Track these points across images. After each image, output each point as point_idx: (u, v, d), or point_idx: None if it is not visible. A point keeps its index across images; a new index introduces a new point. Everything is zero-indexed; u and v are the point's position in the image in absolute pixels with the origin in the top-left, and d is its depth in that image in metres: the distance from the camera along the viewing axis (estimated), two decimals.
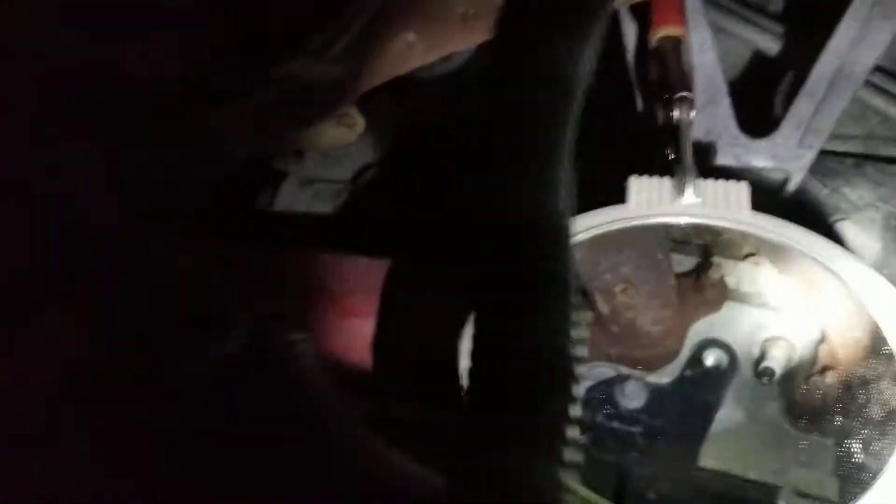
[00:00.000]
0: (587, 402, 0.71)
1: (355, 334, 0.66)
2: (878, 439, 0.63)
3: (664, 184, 0.66)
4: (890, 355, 0.61)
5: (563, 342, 0.39)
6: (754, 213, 0.65)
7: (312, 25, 0.51)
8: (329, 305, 0.67)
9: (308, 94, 0.57)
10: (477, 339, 0.40)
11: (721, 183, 0.66)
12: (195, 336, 0.41)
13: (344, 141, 0.74)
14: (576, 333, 0.40)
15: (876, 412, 0.65)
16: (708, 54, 0.74)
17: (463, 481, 0.37)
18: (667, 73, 0.69)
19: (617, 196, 0.67)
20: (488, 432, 0.38)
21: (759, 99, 0.84)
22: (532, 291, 0.40)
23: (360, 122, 0.72)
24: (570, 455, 0.37)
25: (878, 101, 0.80)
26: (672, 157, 0.67)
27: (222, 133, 0.57)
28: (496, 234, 0.42)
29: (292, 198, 0.87)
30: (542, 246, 0.41)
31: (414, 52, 0.65)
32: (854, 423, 0.66)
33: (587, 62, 0.43)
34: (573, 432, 0.38)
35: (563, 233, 0.42)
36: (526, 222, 0.41)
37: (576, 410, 0.39)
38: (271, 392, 0.40)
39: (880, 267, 0.78)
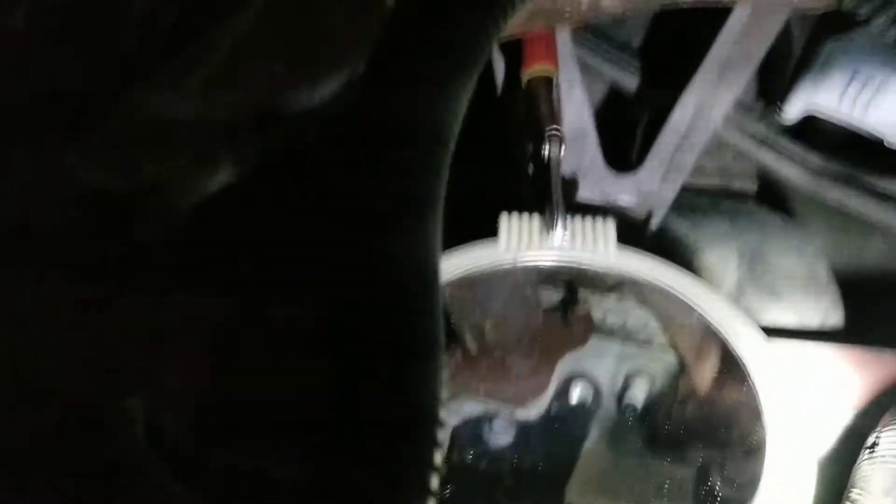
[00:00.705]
0: (454, 440, 0.69)
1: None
2: (739, 474, 0.64)
3: (534, 222, 0.66)
4: (749, 389, 0.63)
5: (432, 403, 0.38)
6: (620, 250, 0.66)
7: (165, 54, 0.46)
8: (180, 354, 0.63)
9: (164, 129, 0.52)
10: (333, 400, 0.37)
11: (588, 221, 0.66)
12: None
13: (202, 177, 0.69)
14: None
15: (736, 446, 0.66)
16: (576, 91, 0.75)
17: None
18: (537, 110, 0.69)
19: (488, 230, 0.66)
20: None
21: (617, 135, 0.85)
22: (398, 349, 0.39)
23: (221, 160, 0.68)
24: None
25: (733, 136, 0.83)
26: (542, 193, 0.67)
27: (74, 167, 0.51)
28: (362, 286, 0.40)
29: None
30: (412, 300, 0.39)
31: (281, 83, 0.61)
32: (714, 456, 0.67)
33: (460, 111, 0.42)
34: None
35: (434, 286, 0.40)
36: (396, 273, 0.39)
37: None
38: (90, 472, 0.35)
39: (736, 298, 0.80)
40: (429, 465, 0.34)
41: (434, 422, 0.36)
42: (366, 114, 0.41)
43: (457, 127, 0.42)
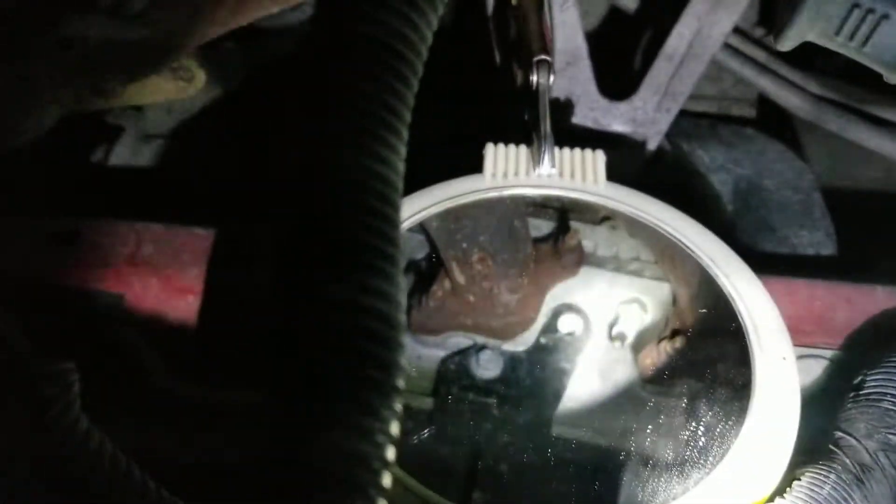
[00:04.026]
0: (441, 373, 0.69)
1: (187, 312, 0.61)
2: (726, 411, 0.64)
3: (521, 153, 0.64)
4: (738, 327, 0.61)
5: (390, 307, 0.40)
6: (609, 184, 0.64)
7: None
8: (159, 282, 0.62)
9: (107, 55, 0.50)
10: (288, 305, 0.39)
11: (577, 152, 0.64)
12: None
13: (183, 95, 0.67)
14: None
15: (723, 383, 0.66)
16: (569, 12, 0.71)
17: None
18: (527, 33, 0.65)
19: (474, 161, 0.64)
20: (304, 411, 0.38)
21: (617, 58, 0.82)
22: (356, 250, 0.40)
23: (198, 76, 0.66)
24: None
25: (733, 63, 0.80)
26: (530, 122, 0.64)
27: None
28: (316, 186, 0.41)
29: (130, 154, 0.79)
30: (369, 204, 0.40)
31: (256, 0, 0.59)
32: (702, 391, 0.67)
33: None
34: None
35: (392, 191, 0.42)
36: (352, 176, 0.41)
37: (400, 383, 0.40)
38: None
39: (731, 228, 0.79)
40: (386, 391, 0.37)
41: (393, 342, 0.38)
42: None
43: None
